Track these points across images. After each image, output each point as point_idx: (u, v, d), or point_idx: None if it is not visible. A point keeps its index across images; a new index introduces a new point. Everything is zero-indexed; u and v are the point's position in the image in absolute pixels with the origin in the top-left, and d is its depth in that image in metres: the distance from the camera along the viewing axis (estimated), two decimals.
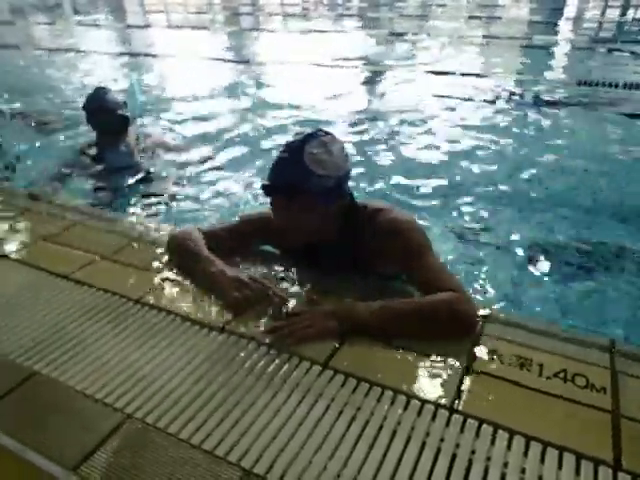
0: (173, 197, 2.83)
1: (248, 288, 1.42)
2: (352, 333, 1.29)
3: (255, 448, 1.00)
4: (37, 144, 3.70)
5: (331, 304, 1.38)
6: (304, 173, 1.35)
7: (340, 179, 1.42)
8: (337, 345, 1.26)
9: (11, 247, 1.79)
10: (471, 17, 12.07)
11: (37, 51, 8.91)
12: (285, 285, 1.52)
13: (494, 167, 3.39)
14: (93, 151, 2.92)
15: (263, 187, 1.43)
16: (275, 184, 1.41)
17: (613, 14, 12.69)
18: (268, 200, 1.48)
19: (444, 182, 3.17)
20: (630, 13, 12.87)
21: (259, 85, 6.36)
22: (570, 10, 13.65)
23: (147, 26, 12.79)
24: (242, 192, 3.02)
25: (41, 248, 1.79)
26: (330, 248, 1.50)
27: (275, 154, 1.45)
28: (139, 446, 1.01)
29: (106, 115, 2.79)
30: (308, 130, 1.43)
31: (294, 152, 1.38)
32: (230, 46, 9.92)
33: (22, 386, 1.17)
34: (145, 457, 0.99)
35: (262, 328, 1.33)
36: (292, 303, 1.43)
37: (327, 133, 1.43)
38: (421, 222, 1.59)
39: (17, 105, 4.58)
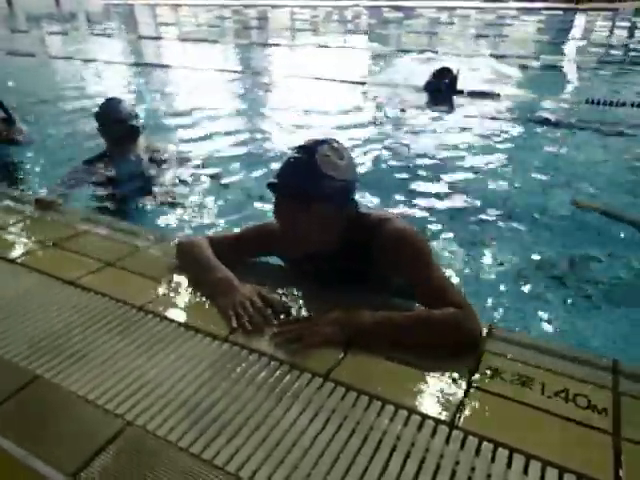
0: (180, 205, 2.86)
1: (253, 306, 1.42)
2: (355, 343, 1.29)
3: (254, 459, 1.00)
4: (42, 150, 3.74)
5: (335, 311, 1.37)
6: (316, 174, 1.35)
7: (350, 184, 1.42)
8: (339, 357, 1.27)
9: (18, 252, 1.81)
10: (479, 36, 12.19)
11: (50, 59, 9.06)
12: (290, 297, 1.52)
13: (498, 184, 3.40)
14: (102, 159, 2.96)
15: (271, 185, 1.41)
16: (285, 185, 1.39)
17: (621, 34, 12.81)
18: (272, 203, 1.45)
19: (449, 198, 3.19)
20: (638, 34, 12.97)
21: (267, 97, 6.44)
22: (577, 31, 13.78)
23: (158, 37, 12.99)
24: (248, 201, 3.05)
25: (48, 254, 1.81)
26: (335, 258, 1.50)
27: (281, 163, 1.44)
28: (139, 453, 1.01)
29: (118, 125, 2.83)
30: (316, 137, 1.44)
31: (307, 153, 1.37)
32: (239, 58, 10.06)
33: (24, 389, 1.18)
34: (144, 465, 0.99)
35: (265, 338, 1.34)
36: (295, 313, 1.44)
37: (336, 141, 1.44)
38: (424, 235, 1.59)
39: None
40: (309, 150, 1.38)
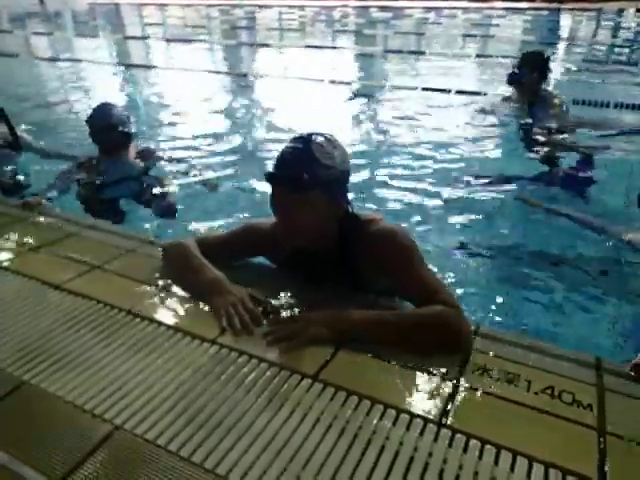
0: (170, 209, 2.85)
1: (242, 306, 1.42)
2: (345, 343, 1.30)
3: (243, 462, 1.00)
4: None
5: (324, 311, 1.38)
6: (311, 162, 1.37)
7: (344, 174, 1.44)
8: (328, 357, 1.27)
9: (3, 256, 1.79)
10: (465, 35, 12.27)
11: (34, 60, 8.94)
12: (279, 297, 1.52)
13: (486, 182, 3.43)
14: (93, 164, 2.92)
15: (268, 175, 1.42)
16: (281, 173, 1.41)
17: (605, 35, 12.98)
18: (267, 198, 1.45)
19: (438, 197, 3.21)
20: (620, 35, 13.15)
21: (256, 97, 6.43)
22: (564, 32, 13.94)
23: (145, 38, 12.88)
24: (240, 202, 3.04)
25: (34, 258, 1.79)
26: (325, 260, 1.51)
27: (273, 161, 1.44)
28: (128, 458, 1.01)
29: (110, 131, 2.79)
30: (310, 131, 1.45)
31: (302, 143, 1.40)
32: (227, 59, 10.02)
33: (11, 395, 1.17)
34: (133, 469, 0.99)
35: (254, 340, 1.34)
36: (284, 314, 1.44)
37: (329, 134, 1.47)
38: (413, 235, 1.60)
39: None
40: (305, 139, 1.40)
